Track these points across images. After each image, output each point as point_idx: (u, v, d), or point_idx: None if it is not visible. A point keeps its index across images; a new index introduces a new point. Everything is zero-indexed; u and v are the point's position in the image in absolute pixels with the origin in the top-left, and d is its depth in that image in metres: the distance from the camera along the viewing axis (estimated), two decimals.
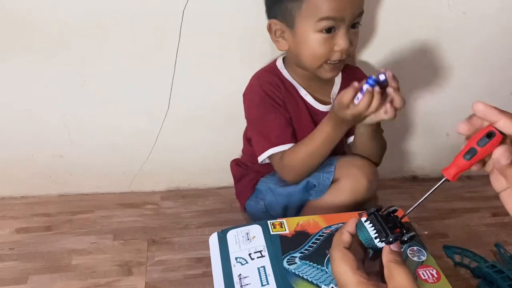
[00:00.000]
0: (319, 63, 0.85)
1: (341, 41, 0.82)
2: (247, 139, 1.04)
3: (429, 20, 1.01)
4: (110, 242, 1.03)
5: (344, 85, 0.96)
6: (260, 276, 0.68)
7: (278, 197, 0.97)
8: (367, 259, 0.57)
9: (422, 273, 0.70)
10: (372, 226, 0.54)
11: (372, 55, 1.05)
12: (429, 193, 0.54)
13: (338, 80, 0.97)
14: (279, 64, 0.95)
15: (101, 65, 0.97)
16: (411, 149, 1.27)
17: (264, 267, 0.69)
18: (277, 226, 0.76)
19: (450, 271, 1.00)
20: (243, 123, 1.01)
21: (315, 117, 0.94)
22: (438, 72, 1.11)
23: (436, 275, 0.69)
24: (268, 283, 0.66)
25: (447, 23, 1.02)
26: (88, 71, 0.98)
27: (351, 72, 0.98)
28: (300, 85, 0.94)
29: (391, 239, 0.53)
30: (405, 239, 0.54)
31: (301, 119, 0.93)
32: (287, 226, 0.77)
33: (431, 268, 0.71)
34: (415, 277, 0.68)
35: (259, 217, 0.99)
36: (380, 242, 0.53)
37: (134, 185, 1.19)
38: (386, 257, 0.53)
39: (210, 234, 0.76)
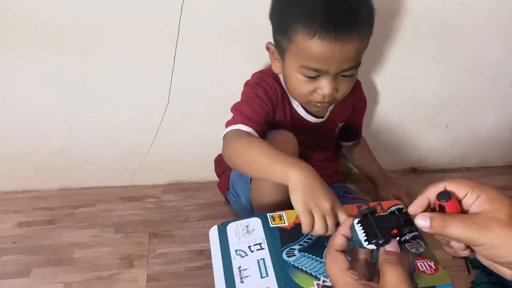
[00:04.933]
0: (303, 101, 0.86)
1: (324, 87, 0.80)
2: None
3: (428, 12, 1.01)
4: (112, 235, 1.04)
5: (343, 100, 0.92)
6: (259, 268, 0.68)
7: (238, 185, 0.97)
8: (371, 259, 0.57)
9: (420, 264, 0.70)
10: (362, 229, 0.53)
11: (370, 49, 1.04)
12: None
13: None
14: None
15: (100, 60, 0.98)
16: (411, 141, 1.27)
17: (263, 259, 0.70)
18: (277, 219, 0.77)
19: (449, 262, 1.00)
20: None
21: (304, 129, 0.94)
22: (436, 64, 1.11)
23: (434, 267, 0.70)
24: (267, 275, 0.67)
25: (446, 15, 1.02)
26: (88, 67, 0.98)
27: None
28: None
29: (380, 242, 0.52)
30: (408, 238, 0.53)
31: (285, 127, 0.93)
32: (286, 218, 0.77)
33: (428, 259, 0.71)
34: (413, 269, 0.68)
35: (236, 208, 1.02)
36: (370, 245, 0.53)
37: (135, 179, 1.19)
38: (380, 257, 0.53)
39: (211, 227, 0.77)
